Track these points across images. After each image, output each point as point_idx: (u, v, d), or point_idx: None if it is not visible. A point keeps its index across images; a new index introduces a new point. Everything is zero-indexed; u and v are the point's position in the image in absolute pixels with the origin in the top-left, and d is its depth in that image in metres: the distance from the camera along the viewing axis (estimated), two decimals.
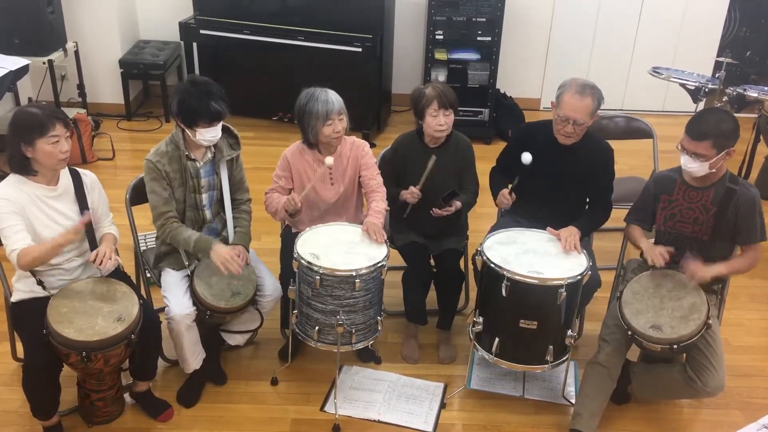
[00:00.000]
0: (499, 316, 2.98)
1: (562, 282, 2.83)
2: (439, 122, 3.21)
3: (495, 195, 3.32)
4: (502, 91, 6.03)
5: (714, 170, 2.83)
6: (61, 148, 2.67)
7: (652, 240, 3.06)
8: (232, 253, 2.95)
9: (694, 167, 2.82)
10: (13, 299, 2.87)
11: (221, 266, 2.92)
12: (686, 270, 2.88)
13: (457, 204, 3.26)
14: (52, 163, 2.69)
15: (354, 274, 2.84)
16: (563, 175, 3.19)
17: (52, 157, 2.67)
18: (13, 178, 2.73)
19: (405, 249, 3.35)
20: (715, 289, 3.08)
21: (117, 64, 5.75)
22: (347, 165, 3.24)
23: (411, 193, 3.24)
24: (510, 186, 3.17)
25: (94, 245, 2.88)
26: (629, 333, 2.85)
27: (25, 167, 2.70)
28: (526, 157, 3.08)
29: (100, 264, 2.74)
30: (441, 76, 5.70)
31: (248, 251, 3.12)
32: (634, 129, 4.11)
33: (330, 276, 2.85)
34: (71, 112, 5.21)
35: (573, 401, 3.13)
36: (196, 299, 2.97)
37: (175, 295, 2.99)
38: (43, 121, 2.64)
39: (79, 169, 2.90)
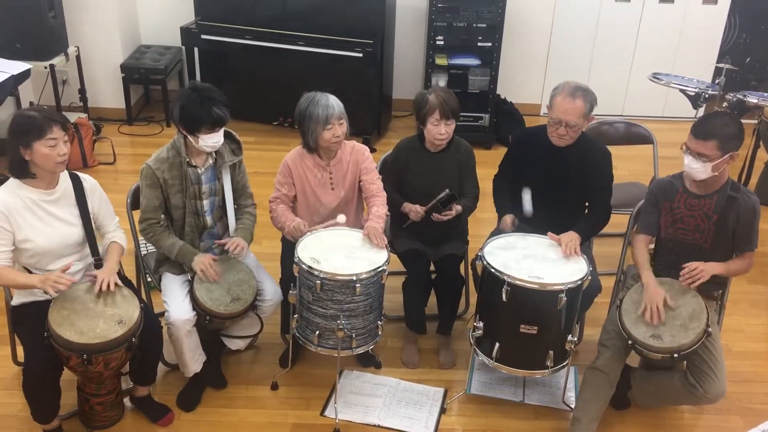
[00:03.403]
0: (500, 321, 2.98)
1: (562, 287, 2.83)
2: (439, 131, 3.22)
3: (498, 207, 3.35)
4: (502, 97, 6.05)
5: (716, 174, 2.82)
6: (58, 151, 2.66)
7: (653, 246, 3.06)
8: (211, 261, 3.00)
9: (697, 168, 2.80)
10: (13, 303, 2.87)
11: (200, 273, 2.98)
12: (690, 266, 2.83)
13: (458, 208, 3.27)
14: (50, 166, 2.68)
15: (354, 278, 2.85)
16: (562, 179, 3.20)
17: (50, 160, 2.66)
18: (11, 183, 2.73)
19: (405, 256, 3.35)
20: (715, 295, 3.08)
21: (118, 68, 5.77)
22: (347, 170, 3.24)
23: (416, 213, 3.25)
24: (515, 216, 3.25)
25: (95, 249, 2.88)
26: (629, 342, 2.85)
27: (23, 170, 2.70)
28: (527, 207, 3.23)
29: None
30: (441, 81, 5.71)
31: (248, 246, 3.13)
32: (635, 134, 4.12)
33: (331, 280, 2.85)
34: (72, 117, 5.23)
35: (573, 406, 3.13)
36: (196, 304, 2.97)
37: (174, 301, 2.99)
38: (41, 124, 2.63)
39: (80, 174, 2.90)
